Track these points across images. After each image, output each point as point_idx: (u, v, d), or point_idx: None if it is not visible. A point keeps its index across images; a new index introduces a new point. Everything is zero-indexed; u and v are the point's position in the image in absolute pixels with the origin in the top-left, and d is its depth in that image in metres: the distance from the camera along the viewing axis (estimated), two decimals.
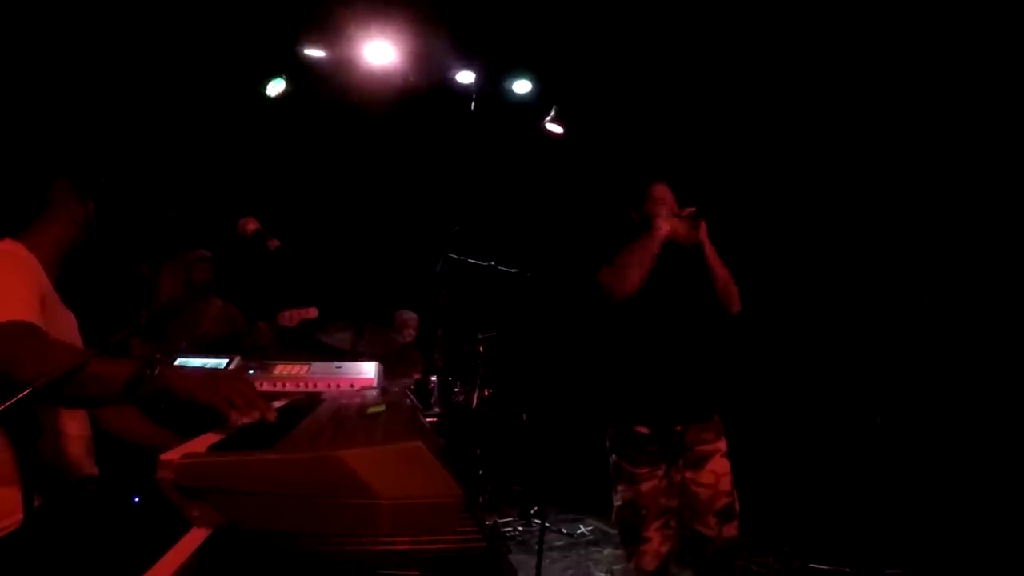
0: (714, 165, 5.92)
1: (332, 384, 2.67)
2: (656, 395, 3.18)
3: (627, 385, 3.25)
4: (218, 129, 6.44)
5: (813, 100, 5.82)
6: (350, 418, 1.58)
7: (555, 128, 6.91)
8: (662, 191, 3.45)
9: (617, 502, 3.26)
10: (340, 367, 2.81)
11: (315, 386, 2.64)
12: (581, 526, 5.74)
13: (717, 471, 3.16)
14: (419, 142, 6.94)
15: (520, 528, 5.71)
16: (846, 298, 5.71)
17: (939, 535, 4.52)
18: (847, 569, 4.41)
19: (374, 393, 2.35)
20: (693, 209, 3.33)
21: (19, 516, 1.87)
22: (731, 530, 3.13)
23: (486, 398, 5.91)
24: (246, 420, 1.56)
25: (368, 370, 2.77)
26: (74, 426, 2.21)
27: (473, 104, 6.54)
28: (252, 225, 2.24)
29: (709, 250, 3.29)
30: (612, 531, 5.57)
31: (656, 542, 3.12)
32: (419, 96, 6.57)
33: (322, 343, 5.84)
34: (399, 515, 1.13)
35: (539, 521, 5.63)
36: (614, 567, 4.87)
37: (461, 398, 5.73)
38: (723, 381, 3.37)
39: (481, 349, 5.95)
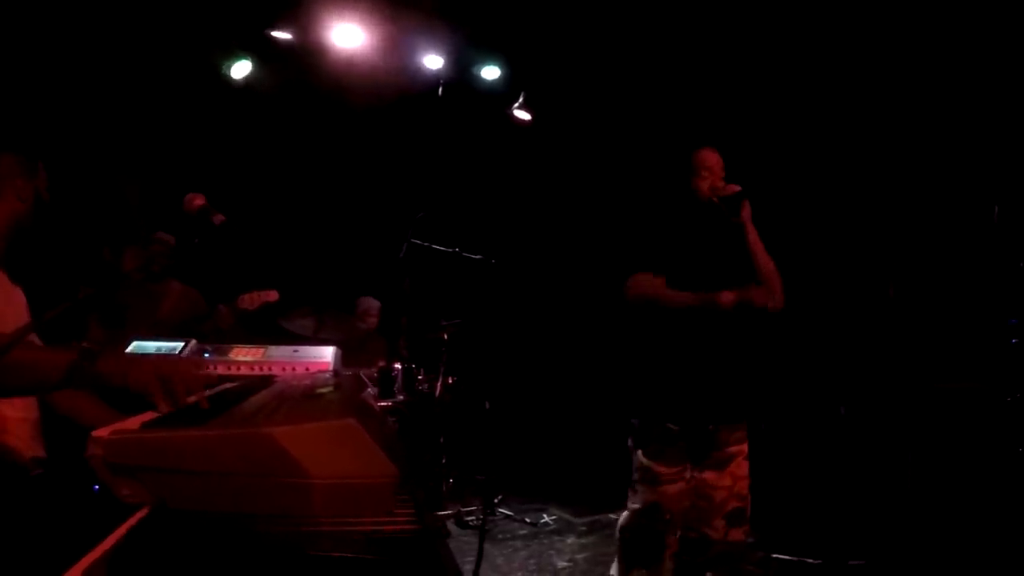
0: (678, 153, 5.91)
1: (287, 368, 2.66)
2: (694, 391, 2.97)
3: (663, 378, 3.01)
4: (182, 112, 6.34)
5: (783, 93, 5.84)
6: (294, 398, 1.55)
7: (523, 115, 6.87)
8: (710, 157, 3.15)
9: (635, 505, 3.02)
10: (297, 351, 2.80)
11: (270, 369, 2.63)
12: (544, 515, 5.73)
13: (736, 474, 3.02)
14: (385, 127, 6.88)
15: (483, 517, 5.70)
16: (811, 290, 5.73)
17: (901, 526, 4.56)
18: (811, 560, 4.43)
19: (327, 376, 2.32)
20: (738, 188, 3.08)
21: None
22: (738, 534, 3.00)
23: (450, 386, 5.88)
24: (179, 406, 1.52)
25: (325, 354, 2.76)
26: (16, 408, 2.16)
27: (440, 89, 6.47)
28: (199, 201, 2.21)
29: (752, 235, 3.08)
30: (575, 520, 5.58)
31: (672, 550, 2.95)
32: (387, 81, 6.50)
33: (284, 328, 5.79)
34: (331, 495, 1.10)
35: (503, 511, 5.64)
36: (576, 556, 4.87)
37: (425, 386, 5.69)
38: (759, 380, 3.17)
39: (445, 336, 5.91)
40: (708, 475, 2.99)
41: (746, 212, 3.06)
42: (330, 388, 1.68)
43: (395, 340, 5.64)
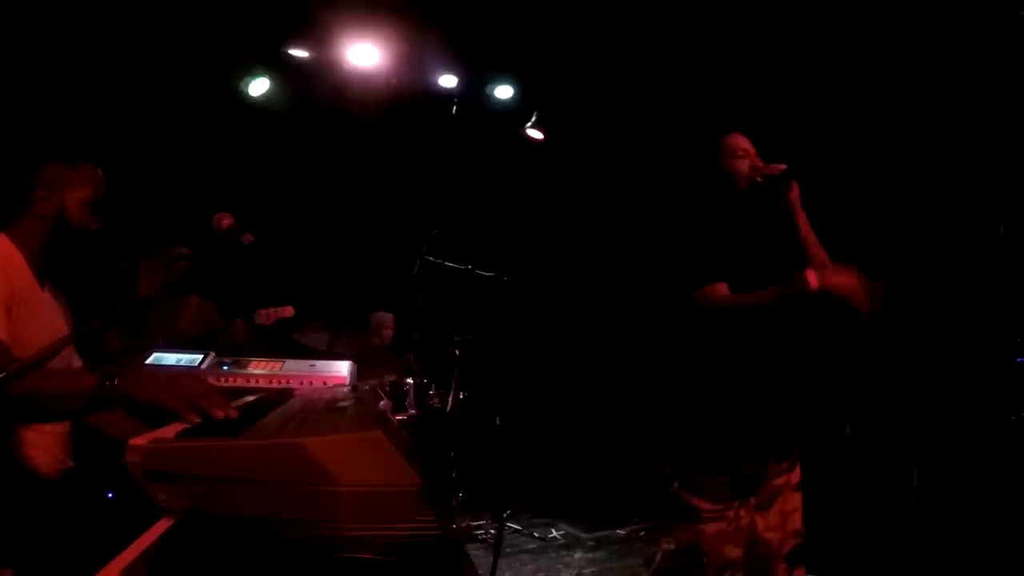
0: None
1: (304, 381, 2.71)
2: (748, 422, 2.59)
3: (714, 406, 2.62)
4: (200, 127, 6.45)
5: (789, 110, 5.89)
6: (317, 411, 1.61)
7: (535, 134, 6.96)
8: (740, 141, 2.78)
9: (669, 546, 2.64)
10: (313, 365, 2.85)
11: (288, 382, 2.68)
12: (553, 530, 5.77)
13: (786, 509, 2.67)
14: (400, 145, 6.97)
15: (492, 531, 5.74)
16: (818, 308, 5.77)
17: (907, 543, 4.59)
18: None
19: (345, 390, 2.39)
20: (783, 167, 2.64)
21: None
22: (801, 573, 2.68)
23: (461, 401, 5.94)
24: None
25: (341, 368, 2.81)
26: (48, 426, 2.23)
27: (455, 108, 6.57)
28: (227, 221, 2.28)
29: (803, 220, 2.68)
30: (583, 535, 5.62)
31: None
32: (401, 99, 6.60)
33: (298, 343, 5.86)
34: (358, 502, 1.16)
35: (512, 525, 5.69)
36: (584, 570, 4.91)
37: (436, 401, 5.75)
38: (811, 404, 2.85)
39: (457, 352, 5.97)
40: (758, 518, 2.63)
41: (795, 194, 2.66)
42: (351, 402, 1.74)
43: (407, 355, 5.71)
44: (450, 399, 5.83)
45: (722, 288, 2.59)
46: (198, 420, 1.47)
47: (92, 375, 1.67)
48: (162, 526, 1.22)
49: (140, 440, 1.27)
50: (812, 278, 2.40)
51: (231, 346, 4.74)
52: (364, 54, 6.31)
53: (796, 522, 2.69)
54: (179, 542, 1.17)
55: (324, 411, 1.61)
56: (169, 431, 1.37)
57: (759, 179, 2.66)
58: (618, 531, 5.58)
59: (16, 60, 5.18)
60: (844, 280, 2.44)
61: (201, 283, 5.03)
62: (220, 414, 1.49)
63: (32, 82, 5.26)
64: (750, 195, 2.69)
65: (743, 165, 2.71)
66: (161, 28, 5.74)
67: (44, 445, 2.18)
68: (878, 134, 5.62)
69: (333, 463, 1.15)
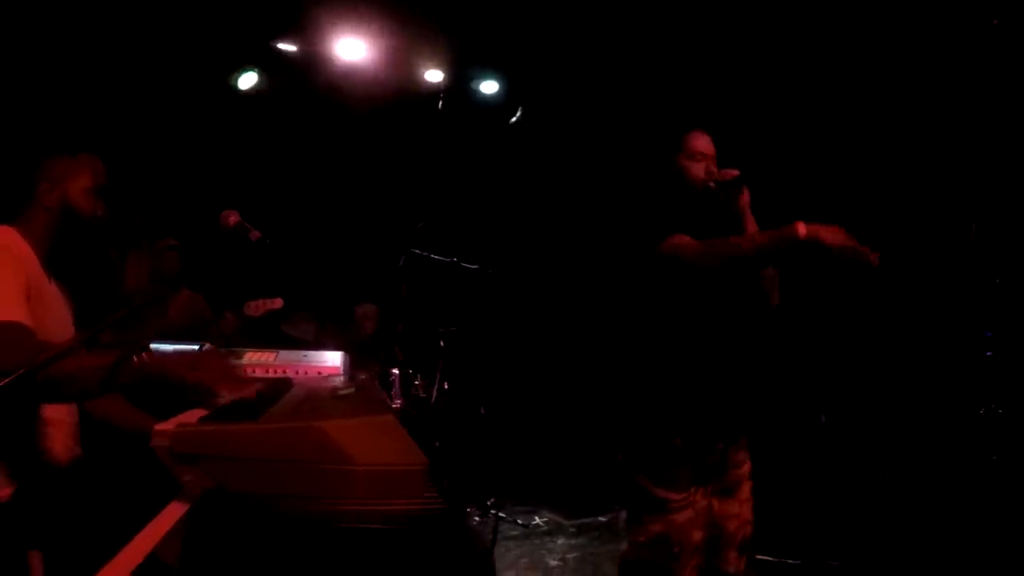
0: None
1: (300, 371, 2.80)
2: (709, 404, 2.58)
3: (676, 389, 2.59)
4: (188, 120, 6.49)
5: (776, 105, 6.02)
6: (323, 398, 1.73)
7: (520, 128, 7.05)
8: (702, 142, 2.75)
9: (639, 538, 2.59)
10: (307, 355, 2.95)
11: (284, 372, 2.77)
12: (536, 517, 5.89)
13: (741, 498, 2.69)
14: (387, 139, 7.05)
15: (476, 519, 5.85)
16: (794, 302, 5.92)
17: (877, 528, 4.76)
18: (791, 560, 4.62)
19: (342, 379, 2.49)
20: (736, 172, 2.63)
21: (7, 491, 1.99)
22: (743, 561, 2.69)
23: (445, 391, 6.04)
24: (230, 397, 1.68)
25: (335, 359, 2.91)
26: (60, 412, 2.31)
27: (440, 103, 6.65)
28: (234, 218, 2.36)
29: (751, 226, 2.67)
30: (565, 522, 5.74)
31: None
32: (388, 94, 6.68)
33: (286, 334, 5.94)
34: (372, 479, 1.28)
35: (495, 512, 5.81)
36: (567, 556, 5.04)
37: (421, 391, 5.85)
38: (764, 392, 2.87)
39: (441, 343, 6.07)
40: (718, 504, 2.63)
41: (745, 199, 2.66)
42: (352, 390, 1.85)
43: (391, 346, 5.81)
44: (434, 389, 5.94)
45: (686, 238, 2.54)
46: (224, 396, 1.57)
47: (113, 352, 1.74)
48: (176, 508, 1.32)
49: (167, 425, 1.37)
50: (800, 226, 2.35)
51: (221, 338, 4.79)
52: (352, 49, 6.38)
53: (748, 512, 2.70)
54: (205, 518, 1.28)
55: (330, 398, 1.72)
56: (192, 416, 1.47)
57: (711, 184, 2.66)
58: (599, 518, 5.70)
59: (11, 55, 5.21)
60: (832, 234, 2.37)
61: (194, 275, 5.10)
62: (244, 391, 1.58)
63: (26, 76, 5.29)
64: (702, 197, 2.68)
65: (698, 168, 2.69)
66: (150, 20, 5.78)
67: (57, 434, 2.26)
68: (853, 134, 5.76)
69: (350, 444, 1.27)
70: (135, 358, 1.71)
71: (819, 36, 5.64)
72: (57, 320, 2.25)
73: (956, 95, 5.32)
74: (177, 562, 1.22)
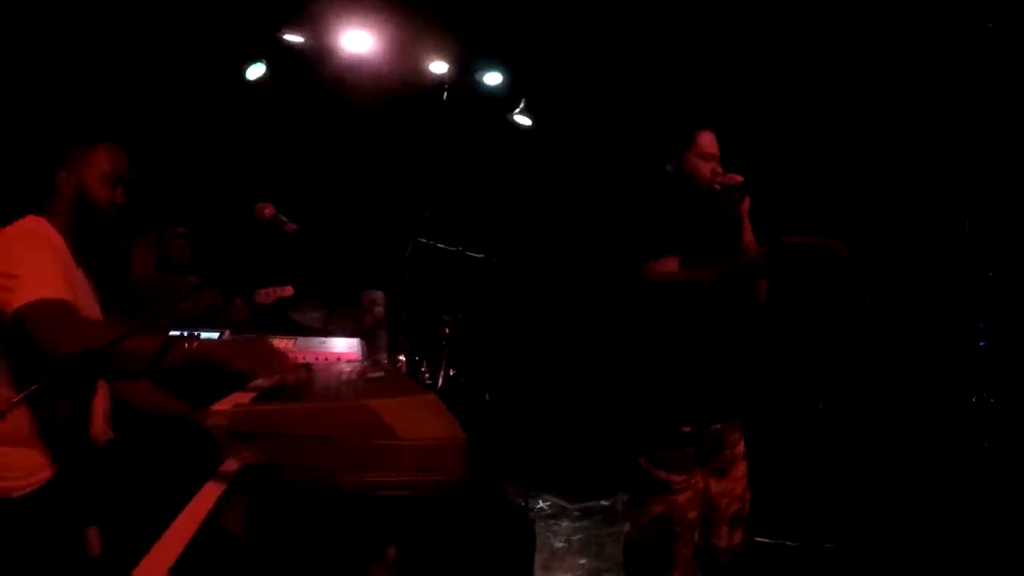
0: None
1: (320, 357, 2.91)
2: (707, 387, 2.68)
3: (678, 376, 2.67)
4: (195, 109, 6.57)
5: (774, 103, 6.11)
6: (357, 380, 1.84)
7: (524, 120, 7.16)
8: (711, 141, 2.79)
9: (642, 519, 2.69)
10: (324, 342, 3.05)
11: (304, 358, 2.87)
12: (540, 501, 6.00)
13: (735, 475, 2.79)
14: (392, 130, 7.14)
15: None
16: (793, 293, 6.04)
17: (872, 512, 4.90)
18: (789, 542, 4.75)
19: (366, 364, 2.59)
20: (740, 179, 2.70)
21: (47, 474, 2.09)
22: (738, 535, 2.80)
23: (451, 378, 6.15)
24: (272, 381, 1.79)
25: (352, 345, 3.02)
26: (100, 399, 2.42)
27: (445, 94, 6.75)
28: (269, 210, 2.44)
29: (748, 233, 2.76)
30: (569, 506, 5.86)
31: (682, 568, 2.66)
32: (393, 85, 6.76)
33: (295, 321, 6.03)
34: (416, 453, 1.39)
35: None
36: (572, 537, 5.16)
37: (427, 378, 5.96)
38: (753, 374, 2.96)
39: (447, 331, 6.18)
40: (713, 483, 2.74)
41: (745, 206, 2.73)
42: (382, 373, 1.97)
43: (396, 334, 5.92)
44: (440, 376, 6.05)
45: (672, 263, 2.61)
46: (274, 379, 1.67)
47: (160, 336, 1.83)
48: (213, 488, 1.44)
49: (223, 406, 1.49)
50: (756, 256, 2.46)
51: (232, 325, 4.88)
52: (357, 40, 6.47)
53: (741, 488, 2.80)
54: (262, 490, 1.40)
55: (363, 381, 1.84)
56: (244, 397, 1.59)
57: (716, 187, 2.71)
58: (602, 502, 5.82)
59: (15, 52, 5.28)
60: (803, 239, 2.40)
61: (207, 264, 5.17)
62: (295, 375, 1.68)
63: (31, 67, 5.37)
64: (705, 198, 2.74)
65: (706, 168, 2.74)
66: (158, 12, 5.85)
67: (96, 418, 2.37)
68: (850, 131, 5.85)
69: (396, 421, 1.38)
70: (182, 342, 1.82)
71: (818, 36, 5.72)
72: (88, 305, 2.35)
73: (949, 94, 5.43)
74: (243, 530, 1.34)
